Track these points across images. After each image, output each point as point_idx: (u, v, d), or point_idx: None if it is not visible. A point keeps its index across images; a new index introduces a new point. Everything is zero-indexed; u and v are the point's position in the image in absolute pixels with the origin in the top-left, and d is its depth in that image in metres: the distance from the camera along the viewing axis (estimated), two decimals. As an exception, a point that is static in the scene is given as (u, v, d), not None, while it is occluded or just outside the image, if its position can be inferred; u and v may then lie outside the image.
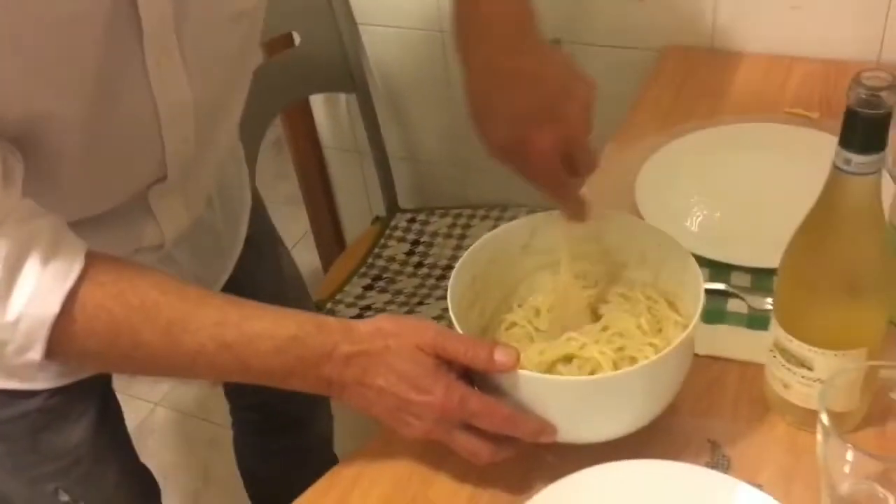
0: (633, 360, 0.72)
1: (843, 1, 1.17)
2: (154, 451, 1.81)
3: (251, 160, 1.31)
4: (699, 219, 0.96)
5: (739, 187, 1.00)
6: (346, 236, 1.86)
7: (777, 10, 1.21)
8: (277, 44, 1.45)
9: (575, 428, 0.70)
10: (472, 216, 1.54)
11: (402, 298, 1.41)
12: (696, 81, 1.21)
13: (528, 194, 1.62)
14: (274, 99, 1.43)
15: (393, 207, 1.61)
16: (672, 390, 0.71)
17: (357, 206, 1.79)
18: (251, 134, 1.33)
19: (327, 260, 1.88)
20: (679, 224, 0.95)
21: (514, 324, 0.79)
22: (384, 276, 1.46)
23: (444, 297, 1.39)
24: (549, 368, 0.73)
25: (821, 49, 1.19)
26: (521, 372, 0.67)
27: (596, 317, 0.78)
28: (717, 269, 0.89)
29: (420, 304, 1.39)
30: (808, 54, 1.20)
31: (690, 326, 0.67)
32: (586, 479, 0.69)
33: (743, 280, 0.88)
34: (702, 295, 0.69)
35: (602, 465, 0.69)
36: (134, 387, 1.96)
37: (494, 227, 1.47)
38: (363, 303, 1.40)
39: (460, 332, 0.70)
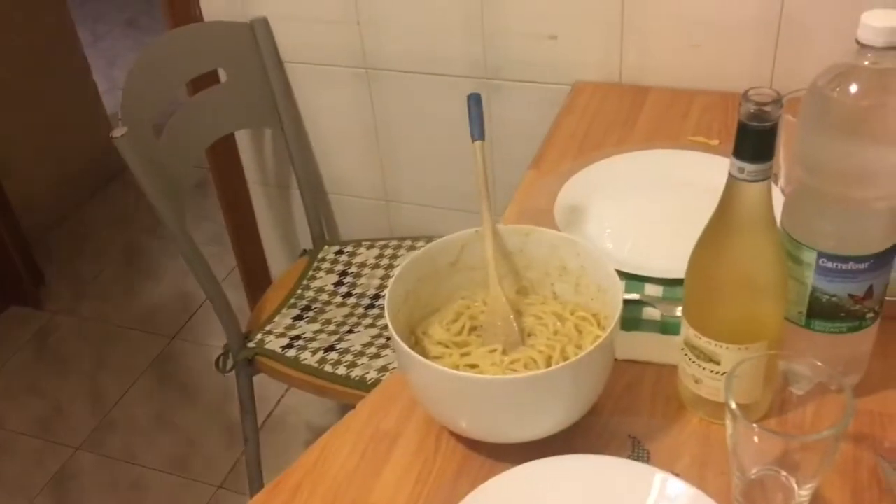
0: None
1: (737, 40, 1.27)
2: (76, 498, 1.77)
3: (180, 198, 1.33)
4: (614, 236, 1.02)
5: (649, 207, 1.08)
6: (273, 271, 1.87)
7: (679, 48, 1.30)
8: (203, 81, 1.48)
9: (504, 427, 0.75)
10: (398, 247, 1.58)
11: (332, 328, 1.43)
12: (607, 113, 1.29)
13: (450, 226, 1.68)
14: (201, 135, 1.45)
15: (320, 241, 1.64)
16: (596, 389, 0.76)
17: (283, 241, 1.81)
18: (179, 168, 1.36)
19: (255, 296, 1.89)
20: (595, 241, 1.01)
21: (440, 343, 0.82)
22: (313, 306, 1.49)
23: (374, 325, 1.43)
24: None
25: (719, 83, 1.29)
26: (450, 371, 0.71)
27: (522, 329, 0.83)
28: (631, 281, 0.95)
29: (350, 332, 1.42)
30: (707, 87, 1.30)
31: (611, 326, 0.73)
32: (517, 476, 0.73)
33: (655, 291, 0.94)
34: (620, 297, 0.75)
35: (531, 462, 0.73)
36: (53, 431, 1.91)
37: (420, 256, 1.54)
38: (293, 332, 1.42)
39: (399, 342, 0.74)
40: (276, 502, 0.77)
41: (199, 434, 1.88)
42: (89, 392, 2.01)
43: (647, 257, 0.98)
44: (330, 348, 1.38)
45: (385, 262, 1.56)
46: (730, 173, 0.69)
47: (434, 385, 0.74)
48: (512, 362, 0.78)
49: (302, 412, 1.90)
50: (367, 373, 1.32)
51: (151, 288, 2.31)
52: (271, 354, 1.39)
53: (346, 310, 1.47)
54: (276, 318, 1.46)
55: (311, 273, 1.56)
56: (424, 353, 0.81)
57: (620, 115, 1.27)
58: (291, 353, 1.38)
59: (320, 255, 1.59)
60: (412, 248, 1.57)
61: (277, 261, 1.85)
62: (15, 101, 2.37)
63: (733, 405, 0.66)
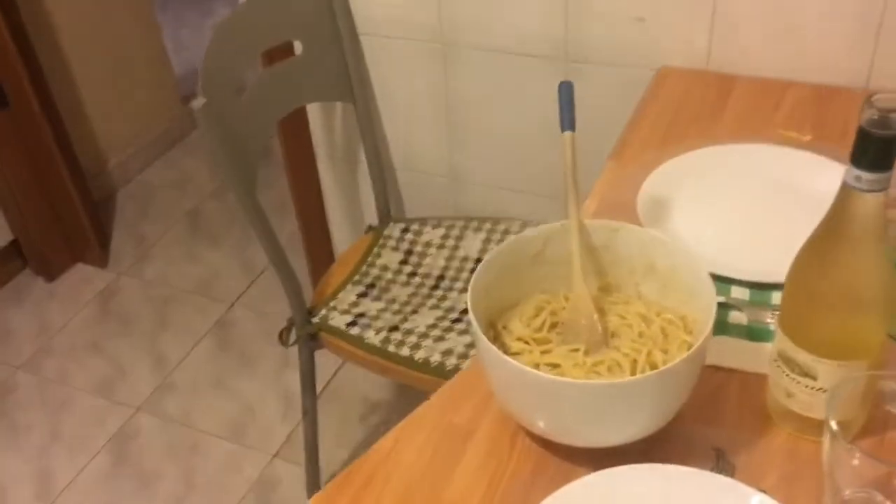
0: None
1: (834, 27, 1.21)
2: (135, 458, 1.80)
3: (251, 168, 1.32)
4: (699, 233, 0.99)
5: (736, 205, 1.04)
6: (337, 245, 1.87)
7: (771, 35, 1.25)
8: (278, 52, 1.47)
9: (585, 432, 0.72)
10: (465, 227, 1.56)
11: (395, 307, 1.42)
12: (692, 101, 1.24)
13: (518, 208, 1.65)
14: (274, 107, 1.44)
15: (386, 217, 1.63)
16: (682, 398, 0.73)
17: (348, 215, 1.81)
18: (252, 141, 1.35)
19: (316, 268, 1.89)
20: (679, 239, 0.97)
21: (520, 339, 0.80)
22: (378, 284, 1.47)
23: (438, 307, 1.42)
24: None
25: (813, 75, 1.23)
26: (534, 372, 0.69)
27: (605, 328, 0.80)
28: (717, 282, 0.91)
29: (414, 312, 1.40)
30: (800, 79, 1.24)
31: (704, 334, 0.70)
32: (595, 483, 0.71)
33: (742, 293, 0.91)
34: (714, 305, 0.72)
35: (611, 470, 0.71)
36: (114, 390, 1.95)
37: (487, 239, 1.53)
38: (357, 310, 1.42)
39: (482, 337, 0.72)
40: (349, 493, 0.76)
41: (257, 402, 1.90)
42: (150, 354, 2.04)
43: (733, 258, 0.94)
44: (394, 328, 1.37)
45: (451, 242, 1.54)
46: (844, 181, 0.65)
47: (516, 384, 0.72)
48: (595, 364, 0.76)
49: (358, 385, 1.90)
50: (431, 355, 1.31)
51: (213, 253, 2.33)
52: (335, 331, 1.39)
53: (410, 289, 1.46)
54: (341, 294, 1.46)
55: (376, 250, 1.54)
56: (504, 349, 0.79)
57: (706, 104, 1.23)
58: (355, 330, 1.37)
59: (386, 233, 1.58)
60: (478, 229, 1.55)
61: (341, 235, 1.84)
62: (87, 64, 2.39)
63: (834, 426, 0.63)
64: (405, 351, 1.32)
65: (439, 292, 1.45)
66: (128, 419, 1.88)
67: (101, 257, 2.31)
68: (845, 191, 0.65)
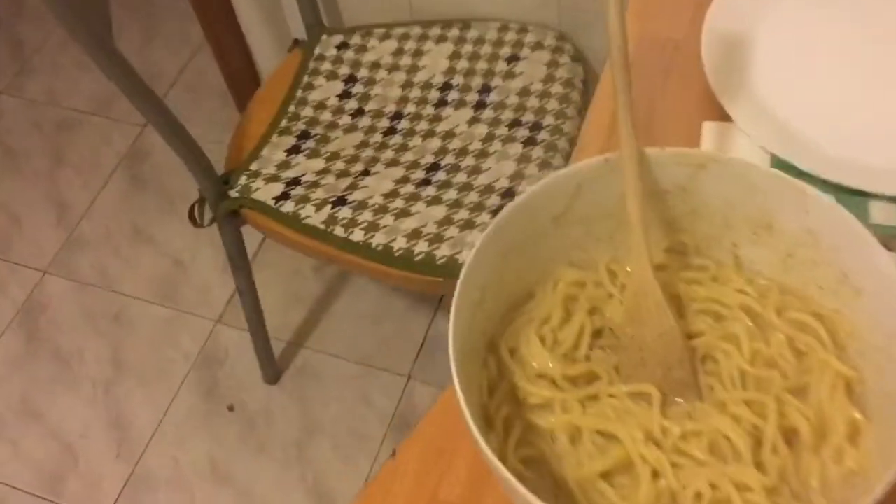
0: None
1: None
2: (49, 333, 1.50)
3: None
4: (807, 109, 0.61)
5: (869, 50, 0.65)
6: (260, 68, 1.44)
7: None
8: None
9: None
10: (423, 37, 1.15)
11: (340, 166, 1.05)
12: None
13: (496, 3, 1.21)
14: None
15: (316, 27, 1.20)
16: None
17: (269, 25, 1.36)
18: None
19: (237, 90, 1.48)
20: (772, 118, 0.61)
21: (542, 375, 0.46)
22: (313, 131, 1.09)
23: (397, 163, 1.06)
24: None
25: None
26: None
27: (686, 328, 0.47)
28: (843, 195, 0.57)
29: (365, 173, 1.04)
30: None
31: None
32: None
33: (889, 215, 0.56)
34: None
35: None
36: (13, 250, 1.60)
37: (455, 53, 1.12)
38: (288, 173, 1.05)
39: (482, 445, 0.38)
40: None
41: (188, 253, 1.56)
42: (49, 198, 1.66)
43: (867, 151, 0.58)
44: (340, 201, 1.01)
45: (406, 61, 1.14)
46: None
47: None
48: (684, 438, 0.43)
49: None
50: (393, 239, 0.96)
51: (112, 56, 1.87)
52: (261, 207, 1.03)
53: (357, 137, 1.08)
54: (265, 150, 1.08)
55: (306, 79, 1.14)
56: (516, 398, 0.45)
57: None
58: (288, 206, 1.02)
59: (318, 51, 1.16)
60: (442, 38, 1.14)
61: (265, 54, 1.41)
62: None
63: None
64: (357, 235, 0.98)
65: (396, 138, 1.08)
66: (34, 285, 1.55)
67: (-29, 72, 1.85)
68: None
